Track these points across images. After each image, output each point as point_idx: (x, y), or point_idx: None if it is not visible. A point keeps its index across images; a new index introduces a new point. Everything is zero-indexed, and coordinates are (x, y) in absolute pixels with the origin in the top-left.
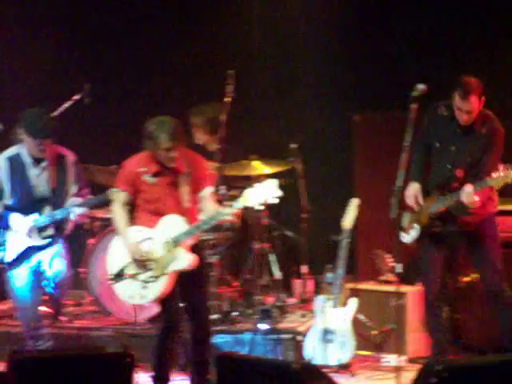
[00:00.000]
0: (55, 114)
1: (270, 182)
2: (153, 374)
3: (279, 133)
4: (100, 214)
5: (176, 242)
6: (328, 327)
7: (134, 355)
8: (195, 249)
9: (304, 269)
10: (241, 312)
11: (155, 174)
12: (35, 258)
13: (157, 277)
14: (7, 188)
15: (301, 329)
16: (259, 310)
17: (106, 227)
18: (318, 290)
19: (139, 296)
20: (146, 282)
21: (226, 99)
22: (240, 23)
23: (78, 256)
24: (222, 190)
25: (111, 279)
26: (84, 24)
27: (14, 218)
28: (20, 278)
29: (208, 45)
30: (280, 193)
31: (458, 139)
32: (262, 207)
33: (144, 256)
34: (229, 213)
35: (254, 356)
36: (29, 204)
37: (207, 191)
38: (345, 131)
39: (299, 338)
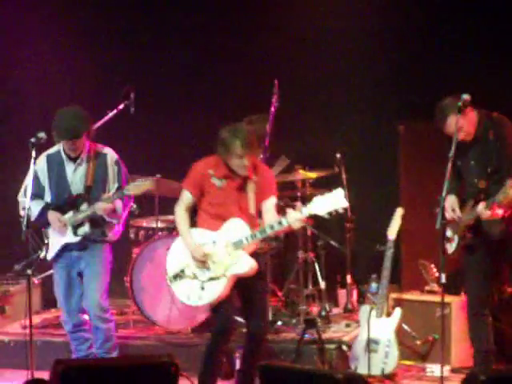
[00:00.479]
0: (100, 122)
1: (339, 191)
2: (198, 382)
3: (324, 142)
4: (145, 223)
5: (238, 246)
6: (372, 337)
7: (179, 364)
8: (255, 254)
9: (348, 278)
10: (285, 321)
11: (223, 178)
12: (74, 257)
13: (217, 278)
14: (46, 185)
15: (345, 338)
16: (303, 320)
17: (151, 236)
18: (363, 299)
19: (197, 297)
20: (205, 282)
21: (271, 108)
22: (286, 33)
23: (123, 265)
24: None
25: (169, 280)
26: (130, 32)
27: (51, 216)
28: (58, 276)
29: (253, 54)
30: (347, 204)
31: (472, 153)
32: (329, 216)
33: (205, 257)
34: (297, 219)
35: (298, 366)
36: (65, 201)
37: (271, 201)
38: (390, 141)
39: (344, 347)
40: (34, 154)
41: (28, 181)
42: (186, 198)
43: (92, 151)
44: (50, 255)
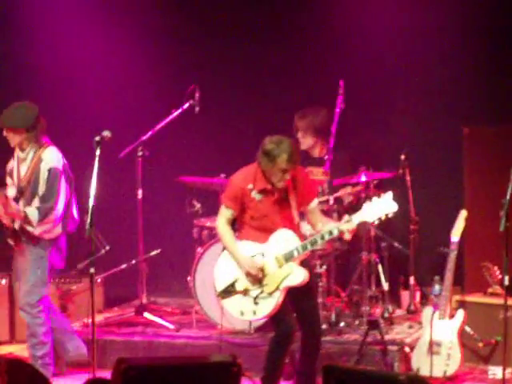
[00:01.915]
0: (165, 121)
1: (387, 196)
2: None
3: (388, 143)
4: (208, 222)
5: (289, 258)
6: (435, 339)
7: (242, 364)
8: (305, 262)
9: (411, 280)
10: (348, 323)
11: (263, 192)
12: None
13: (270, 293)
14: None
15: (408, 340)
16: (366, 321)
17: (214, 236)
18: (426, 301)
19: (251, 312)
20: (258, 296)
21: (336, 109)
22: (351, 33)
23: (186, 265)
24: (331, 200)
25: (219, 295)
26: (195, 31)
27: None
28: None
29: (318, 53)
30: (397, 207)
31: None
32: (378, 222)
33: (260, 271)
34: (348, 228)
35: (361, 367)
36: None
37: (313, 204)
38: (454, 143)
39: (406, 349)
40: (98, 152)
41: (93, 177)
42: (227, 212)
43: (38, 151)
44: None
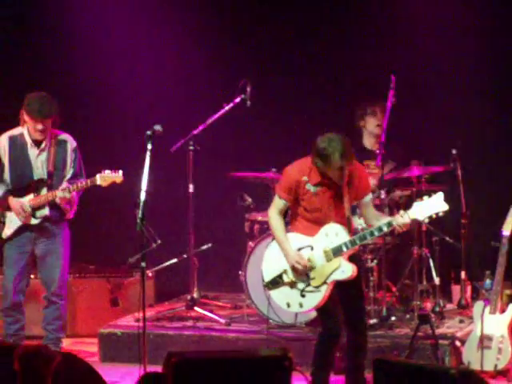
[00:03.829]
0: (216, 115)
1: (438, 195)
2: (311, 378)
3: (440, 137)
4: (260, 217)
5: (337, 252)
6: (486, 333)
7: (293, 358)
8: (354, 256)
9: (463, 274)
10: (399, 317)
11: (318, 185)
12: (30, 237)
13: (317, 286)
14: (6, 165)
15: (459, 334)
16: (417, 316)
17: (266, 230)
18: (477, 295)
19: (298, 304)
20: (305, 289)
21: (387, 103)
22: (403, 27)
23: (238, 259)
24: (382, 194)
25: (266, 286)
26: (246, 26)
27: (14, 204)
28: (9, 254)
29: (370, 48)
30: (447, 207)
31: None
32: (428, 220)
33: (306, 264)
34: (402, 223)
35: (412, 361)
36: (26, 184)
37: (367, 198)
38: (506, 137)
39: (457, 343)
40: (149, 146)
41: (145, 171)
42: (280, 203)
43: (54, 138)
44: (6, 234)
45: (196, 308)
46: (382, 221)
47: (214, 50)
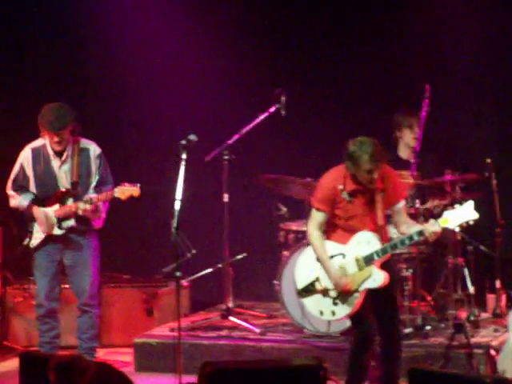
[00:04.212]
0: (251, 125)
1: (469, 204)
2: None
3: (474, 146)
4: (294, 226)
5: (369, 260)
6: None
7: (328, 368)
8: (387, 264)
9: (497, 283)
10: (434, 326)
11: (353, 192)
12: (57, 247)
13: (349, 293)
14: (31, 177)
15: (494, 343)
16: (452, 325)
17: (300, 240)
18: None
19: (330, 312)
20: (337, 297)
21: (422, 113)
22: (438, 36)
23: (272, 268)
24: (417, 203)
25: (299, 293)
26: (280, 34)
27: (38, 214)
28: (39, 262)
29: (404, 57)
30: (477, 215)
31: None
32: (459, 229)
33: (346, 282)
34: (434, 231)
35: (447, 370)
36: (51, 195)
37: (400, 205)
38: None
39: (492, 352)
40: (184, 156)
41: (180, 180)
42: (319, 216)
43: (76, 146)
44: (33, 244)
45: (231, 317)
46: (413, 229)
47: (249, 59)
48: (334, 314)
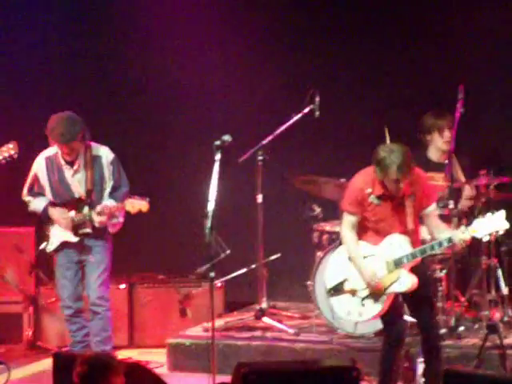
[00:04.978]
0: (283, 127)
1: (500, 213)
2: None
3: (508, 147)
4: (328, 227)
5: (398, 264)
6: None
7: (361, 369)
8: (418, 268)
9: None
10: (467, 327)
11: (381, 196)
12: (74, 250)
13: (375, 296)
14: (46, 186)
15: None
16: (486, 325)
17: (334, 240)
18: None
19: (357, 313)
20: (365, 299)
21: (456, 113)
22: (472, 36)
23: (306, 269)
24: (451, 204)
25: (328, 292)
26: (314, 36)
27: (54, 214)
28: (59, 263)
29: (438, 58)
30: (508, 225)
31: None
32: (488, 238)
33: (378, 282)
34: (459, 241)
35: (482, 371)
36: (66, 203)
37: (431, 209)
38: None
39: None
40: (218, 156)
41: (213, 181)
42: (351, 219)
43: (88, 154)
44: (50, 249)
45: (265, 318)
46: (443, 235)
47: (284, 59)
48: (361, 315)
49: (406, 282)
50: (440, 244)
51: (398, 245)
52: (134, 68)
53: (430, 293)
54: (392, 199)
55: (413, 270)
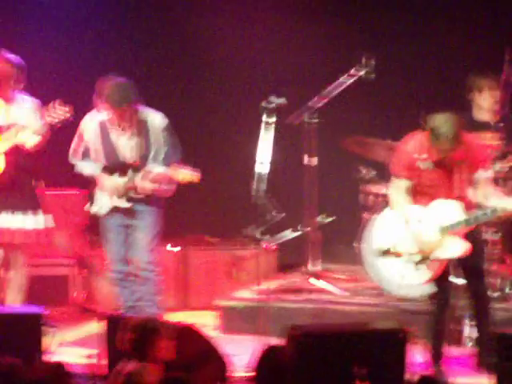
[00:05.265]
0: (338, 90)
1: None
2: (429, 350)
3: None
4: (375, 189)
5: (452, 229)
6: None
7: (412, 332)
8: (471, 235)
9: None
10: None
11: (430, 161)
12: (123, 214)
13: (426, 261)
14: (98, 149)
15: None
16: None
17: (381, 202)
18: None
19: (402, 276)
20: (414, 263)
21: (502, 76)
22: None
23: (353, 231)
24: (498, 166)
25: (376, 254)
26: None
27: (105, 181)
28: (107, 227)
29: (483, 21)
30: None
31: None
32: None
33: (428, 244)
34: (504, 212)
35: None
36: (114, 168)
37: (480, 174)
38: None
39: None
40: (265, 118)
41: (266, 143)
42: (401, 183)
43: (142, 119)
44: (101, 212)
45: (315, 281)
46: (490, 202)
47: (338, 20)
48: (408, 278)
49: (459, 248)
50: (485, 214)
51: (451, 210)
52: (181, 31)
53: (482, 260)
54: (443, 165)
55: (466, 237)
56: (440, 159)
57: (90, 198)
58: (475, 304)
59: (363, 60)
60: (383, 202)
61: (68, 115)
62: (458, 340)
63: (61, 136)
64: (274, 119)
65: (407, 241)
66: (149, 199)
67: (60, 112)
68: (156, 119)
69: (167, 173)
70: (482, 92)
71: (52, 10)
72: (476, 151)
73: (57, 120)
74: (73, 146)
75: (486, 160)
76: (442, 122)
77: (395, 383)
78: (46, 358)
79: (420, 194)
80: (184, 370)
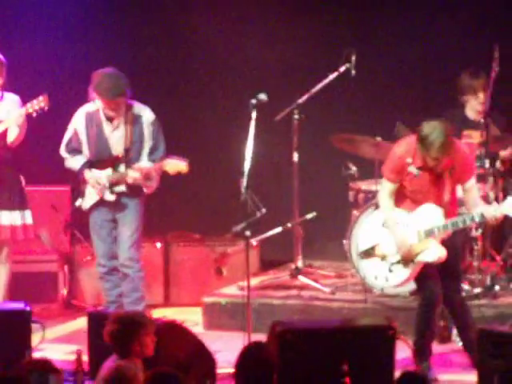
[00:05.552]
0: (320, 85)
1: None
2: (414, 347)
3: None
4: (364, 185)
5: (429, 234)
6: None
7: (398, 328)
8: (450, 239)
9: None
10: (503, 286)
11: (420, 168)
12: (108, 209)
13: (405, 263)
14: (84, 142)
15: None
16: None
17: (370, 199)
18: None
19: (384, 278)
20: (394, 265)
21: (491, 73)
22: None
23: (342, 227)
24: (486, 164)
25: (359, 255)
26: None
27: (90, 177)
28: (94, 221)
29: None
30: None
31: None
32: None
33: (409, 251)
34: (491, 217)
35: None
36: (104, 160)
37: (469, 183)
38: None
39: None
40: (254, 115)
41: (249, 140)
42: (390, 186)
43: (130, 112)
44: (86, 206)
45: (300, 277)
46: (477, 209)
47: (320, 17)
48: (387, 280)
49: (435, 252)
50: (472, 218)
51: (431, 215)
52: (169, 28)
53: (459, 266)
54: (431, 172)
55: (444, 242)
56: (429, 166)
57: (76, 193)
58: (451, 309)
59: (344, 55)
60: (372, 199)
61: (43, 105)
62: (446, 338)
63: (45, 132)
64: (257, 116)
65: (388, 243)
66: (133, 193)
67: (35, 102)
68: (145, 113)
69: (152, 167)
70: (476, 93)
71: (46, 7)
72: (465, 161)
73: (31, 110)
74: (64, 139)
75: (473, 170)
76: (430, 130)
77: (384, 380)
78: (34, 354)
79: (409, 198)
80: (174, 367)
